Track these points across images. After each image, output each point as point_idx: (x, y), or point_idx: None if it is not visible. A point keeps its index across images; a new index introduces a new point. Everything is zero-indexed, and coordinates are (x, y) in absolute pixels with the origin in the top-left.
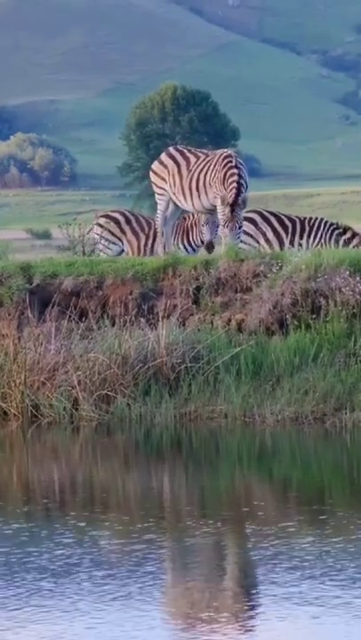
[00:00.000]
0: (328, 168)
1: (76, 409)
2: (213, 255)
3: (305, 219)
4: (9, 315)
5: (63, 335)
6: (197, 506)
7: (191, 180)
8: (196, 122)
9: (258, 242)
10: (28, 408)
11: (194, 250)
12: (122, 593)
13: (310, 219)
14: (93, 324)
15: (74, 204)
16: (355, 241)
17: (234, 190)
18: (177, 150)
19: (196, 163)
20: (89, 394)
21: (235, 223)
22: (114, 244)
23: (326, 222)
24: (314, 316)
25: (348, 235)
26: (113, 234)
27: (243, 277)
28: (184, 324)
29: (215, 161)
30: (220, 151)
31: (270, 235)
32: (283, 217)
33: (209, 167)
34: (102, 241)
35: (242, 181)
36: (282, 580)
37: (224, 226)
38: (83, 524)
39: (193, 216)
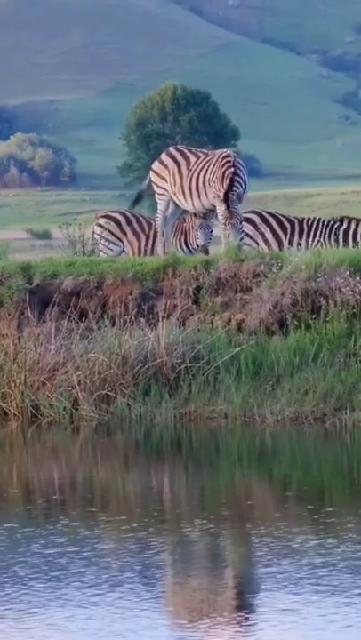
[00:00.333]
0: (328, 168)
1: (76, 409)
2: (213, 255)
3: (303, 219)
4: (9, 315)
5: (63, 335)
6: (197, 506)
7: (191, 179)
8: (196, 122)
9: (257, 242)
10: (28, 408)
11: (191, 252)
12: (121, 593)
13: (308, 219)
14: (93, 323)
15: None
16: (353, 226)
17: (228, 182)
18: (177, 150)
19: (195, 162)
20: (89, 394)
21: (235, 219)
22: (114, 244)
23: (323, 221)
24: (314, 316)
25: (345, 224)
26: (113, 234)
27: (243, 277)
28: (184, 324)
29: (215, 161)
30: (219, 151)
31: (269, 236)
32: (281, 218)
33: (208, 167)
34: (102, 241)
35: (238, 178)
36: (282, 579)
37: (225, 224)
38: (82, 524)
39: (191, 218)
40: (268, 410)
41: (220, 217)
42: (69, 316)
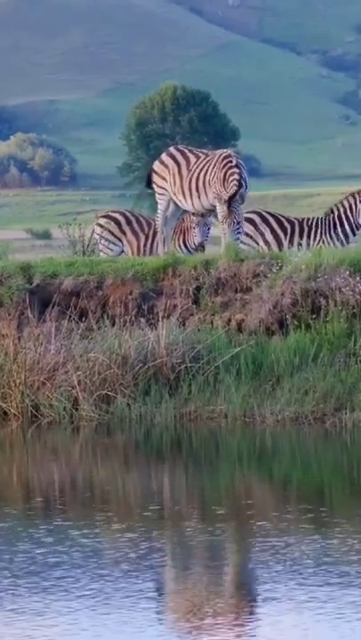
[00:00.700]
0: (328, 168)
1: (76, 409)
2: (213, 255)
3: (303, 220)
4: (9, 315)
5: (63, 335)
6: (197, 506)
7: (191, 179)
8: (196, 122)
9: (257, 243)
10: (28, 408)
11: (190, 252)
12: (120, 592)
13: (308, 219)
14: (93, 323)
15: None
16: (341, 210)
17: (234, 187)
18: (178, 150)
19: (196, 163)
20: (89, 394)
21: (232, 219)
22: (114, 244)
23: (322, 219)
24: (314, 316)
25: (336, 212)
26: (113, 234)
27: (243, 277)
28: (184, 324)
29: (215, 161)
30: (219, 151)
31: (269, 236)
32: (281, 218)
33: (209, 167)
34: (102, 241)
35: (242, 181)
36: (282, 579)
37: (222, 223)
38: (82, 524)
39: (189, 217)
40: (268, 410)
41: (219, 217)
42: (69, 316)
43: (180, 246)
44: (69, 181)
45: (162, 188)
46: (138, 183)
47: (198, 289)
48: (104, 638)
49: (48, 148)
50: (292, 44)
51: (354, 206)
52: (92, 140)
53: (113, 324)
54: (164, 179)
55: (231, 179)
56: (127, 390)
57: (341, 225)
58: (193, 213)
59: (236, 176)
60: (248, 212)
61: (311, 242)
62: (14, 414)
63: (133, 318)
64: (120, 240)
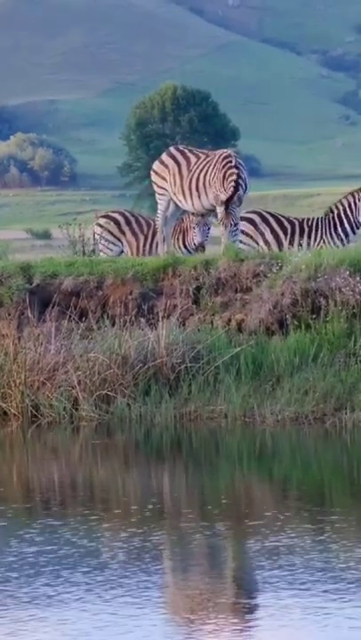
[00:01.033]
0: (328, 168)
1: (76, 409)
2: (213, 255)
3: (303, 220)
4: (9, 315)
5: (63, 335)
6: (197, 506)
7: (191, 180)
8: (196, 122)
9: (257, 243)
10: (28, 408)
11: (190, 252)
12: (120, 592)
13: (308, 220)
14: (93, 323)
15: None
16: (340, 209)
17: (231, 189)
18: (178, 150)
19: (196, 163)
20: (89, 394)
21: (229, 221)
22: (113, 244)
23: (322, 219)
24: (314, 316)
25: (335, 211)
26: (113, 234)
27: (243, 277)
28: (184, 324)
29: (215, 161)
30: (219, 151)
31: (269, 236)
32: (282, 218)
33: (209, 167)
34: (102, 241)
35: (240, 181)
36: (282, 579)
37: (219, 224)
38: (82, 524)
39: (189, 218)
40: (268, 410)
41: (219, 217)
42: (69, 316)
43: (179, 247)
44: (69, 181)
45: (162, 188)
46: (138, 183)
47: (198, 289)
48: (103, 638)
49: (48, 148)
50: (292, 44)
51: (353, 205)
52: (92, 139)
53: (113, 324)
54: (164, 179)
55: (230, 179)
56: (127, 390)
57: (341, 224)
58: (193, 213)
59: (234, 177)
60: (248, 212)
61: (311, 242)
62: (14, 414)
63: (133, 318)
64: (120, 240)
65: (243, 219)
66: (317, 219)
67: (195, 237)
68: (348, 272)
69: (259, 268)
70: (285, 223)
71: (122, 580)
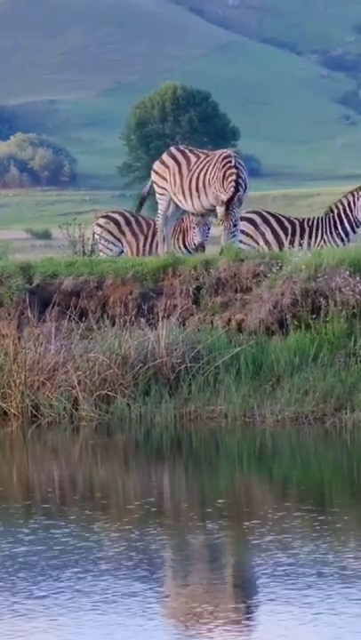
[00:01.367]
0: (328, 168)
1: (76, 409)
2: (213, 255)
3: (304, 220)
4: (9, 315)
5: (63, 335)
6: (197, 506)
7: (191, 179)
8: (196, 122)
9: (257, 242)
10: (28, 408)
11: (190, 252)
12: (120, 592)
13: (309, 219)
14: (93, 323)
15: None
16: (340, 208)
17: (232, 189)
18: (178, 150)
19: (196, 162)
20: (89, 394)
21: (229, 222)
22: (113, 244)
23: (322, 219)
24: (314, 316)
25: (335, 210)
26: (112, 234)
27: (243, 277)
28: (184, 324)
29: (215, 161)
30: (219, 151)
31: (269, 236)
32: (282, 218)
33: (208, 167)
34: (102, 241)
35: (240, 181)
36: (282, 579)
37: (219, 224)
38: (82, 524)
39: (189, 218)
40: (268, 410)
41: (218, 217)
42: (69, 316)
43: (179, 247)
44: (69, 181)
45: (162, 188)
46: (138, 183)
47: (198, 289)
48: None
49: (48, 148)
50: (292, 44)
51: (352, 204)
52: (92, 139)
53: (113, 324)
54: (164, 179)
55: (230, 180)
56: (127, 390)
57: (341, 223)
58: (193, 214)
59: (234, 177)
60: (249, 212)
61: (312, 242)
62: (14, 414)
63: (133, 318)
64: (119, 240)
65: (243, 219)
66: (318, 218)
67: (195, 237)
68: (348, 272)
69: (259, 268)
70: (286, 223)
71: (121, 579)
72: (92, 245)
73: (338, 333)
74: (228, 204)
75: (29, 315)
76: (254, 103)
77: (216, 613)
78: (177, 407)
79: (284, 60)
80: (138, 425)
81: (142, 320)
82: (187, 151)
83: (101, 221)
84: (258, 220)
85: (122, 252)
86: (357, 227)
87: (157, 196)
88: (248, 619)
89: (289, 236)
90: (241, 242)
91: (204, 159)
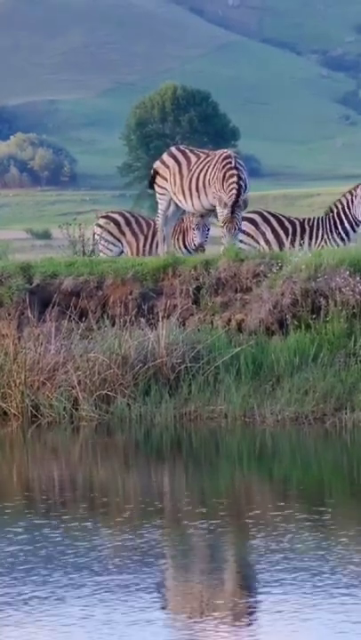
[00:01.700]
0: (328, 168)
1: (76, 409)
2: (213, 255)
3: (304, 220)
4: (9, 315)
5: (63, 335)
6: (197, 506)
7: (191, 179)
8: (196, 122)
9: (258, 242)
10: (28, 408)
11: (190, 252)
12: (120, 592)
13: (309, 220)
14: (93, 323)
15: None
16: (340, 207)
17: (234, 192)
18: (179, 150)
19: (196, 162)
20: (89, 394)
21: (234, 224)
22: (113, 244)
23: (322, 219)
24: (314, 316)
25: (335, 210)
26: (112, 235)
27: (243, 277)
28: (184, 324)
29: (215, 161)
30: (219, 151)
31: (270, 235)
32: (283, 218)
33: (208, 167)
34: (102, 241)
35: (241, 182)
36: (282, 579)
37: (223, 226)
38: (82, 524)
39: (189, 218)
40: (268, 410)
41: (219, 218)
42: (69, 316)
43: (179, 247)
44: (69, 181)
45: (163, 187)
46: (138, 183)
47: (198, 289)
48: (101, 638)
49: (48, 148)
50: (292, 44)
51: (351, 203)
52: (92, 139)
53: (113, 324)
54: (165, 178)
55: (231, 181)
56: (127, 390)
57: (341, 223)
58: (193, 214)
59: (234, 178)
60: (249, 212)
61: (313, 242)
62: (14, 414)
63: (133, 318)
64: (119, 241)
65: (244, 219)
66: (318, 218)
67: (195, 239)
68: (348, 272)
69: (259, 268)
70: (286, 223)
71: (121, 579)
72: (93, 245)
73: (338, 333)
74: (234, 207)
75: (29, 315)
76: (254, 103)
77: (216, 612)
78: (177, 407)
79: (284, 60)
80: (138, 425)
81: (142, 320)
82: (187, 151)
83: (101, 222)
84: (258, 219)
85: (122, 252)
86: (357, 225)
87: (158, 195)
88: (248, 617)
89: (290, 236)
90: (241, 241)
91: (205, 159)
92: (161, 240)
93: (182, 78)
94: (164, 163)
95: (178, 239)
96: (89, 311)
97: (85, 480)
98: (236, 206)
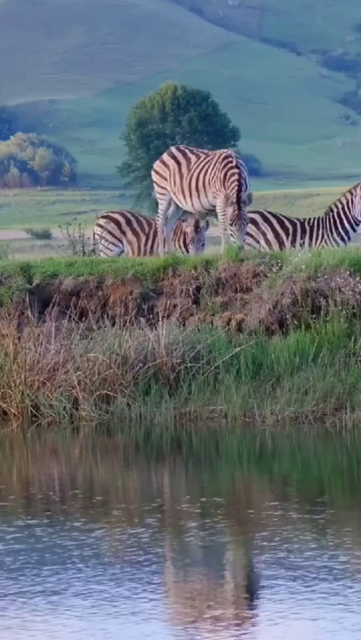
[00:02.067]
0: (328, 168)
1: (76, 409)
2: (213, 255)
3: (305, 220)
4: (9, 315)
5: (63, 335)
6: (197, 506)
7: (191, 179)
8: (196, 122)
9: (258, 242)
10: (28, 408)
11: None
12: (121, 592)
13: (310, 220)
14: (93, 323)
15: (74, 204)
16: (339, 207)
17: (235, 188)
18: (179, 150)
19: (196, 162)
20: (89, 394)
21: (242, 221)
22: (114, 244)
23: (322, 219)
24: (314, 316)
25: (335, 209)
26: (113, 235)
27: (243, 277)
28: (184, 324)
29: (215, 161)
30: (219, 151)
31: (270, 235)
32: (283, 218)
33: (208, 167)
34: (102, 241)
35: (242, 180)
36: (282, 579)
37: (231, 224)
38: (82, 524)
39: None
40: (268, 410)
41: (220, 218)
42: (69, 316)
43: (179, 247)
44: (69, 181)
45: (163, 187)
46: (138, 183)
47: (198, 289)
48: (101, 637)
49: (48, 147)
50: (292, 44)
51: (350, 202)
52: (92, 139)
53: (113, 324)
54: (165, 178)
55: (232, 179)
56: (127, 390)
57: (341, 222)
58: (187, 227)
59: (236, 177)
60: (250, 212)
61: (313, 242)
62: (14, 414)
63: (133, 318)
64: (120, 241)
65: None
66: (318, 218)
67: (190, 251)
68: (348, 272)
69: (259, 267)
70: (287, 223)
71: (121, 579)
72: (93, 245)
73: (338, 333)
74: (239, 203)
75: (29, 315)
76: (254, 103)
77: (216, 612)
78: (177, 407)
79: (284, 60)
80: (138, 425)
81: (142, 320)
82: (187, 151)
83: (102, 221)
84: (259, 219)
85: (122, 251)
86: (357, 225)
87: (158, 195)
88: (248, 617)
89: (290, 237)
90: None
91: (205, 159)
92: (161, 240)
93: (182, 78)
94: (163, 163)
95: (179, 240)
96: (89, 311)
97: (85, 480)
98: (241, 202)
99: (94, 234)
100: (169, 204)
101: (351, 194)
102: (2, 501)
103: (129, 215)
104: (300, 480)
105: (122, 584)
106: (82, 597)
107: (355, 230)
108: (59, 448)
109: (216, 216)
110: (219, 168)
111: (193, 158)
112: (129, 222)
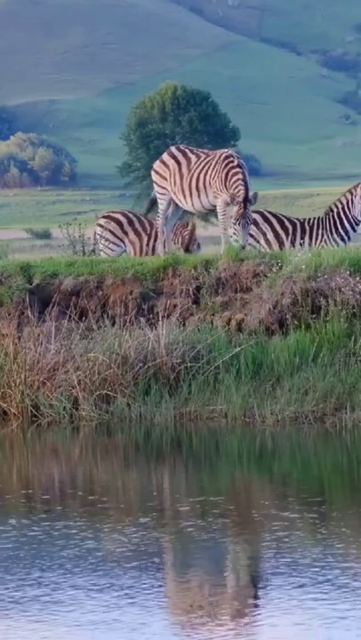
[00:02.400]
0: (328, 168)
1: (76, 409)
2: (213, 255)
3: (305, 220)
4: (9, 315)
5: (63, 335)
6: (197, 506)
7: (191, 179)
8: (196, 122)
9: (258, 242)
10: (28, 408)
11: (191, 252)
12: (121, 592)
13: (310, 220)
14: (93, 323)
15: (74, 204)
16: (340, 207)
17: (241, 187)
18: (179, 150)
19: (196, 162)
20: (89, 394)
21: (246, 220)
22: (115, 244)
23: (322, 219)
24: (314, 316)
25: (335, 209)
26: (115, 234)
27: (243, 277)
28: (184, 324)
29: (215, 161)
30: (220, 151)
31: (270, 235)
32: (283, 218)
33: (209, 167)
34: (103, 241)
35: (245, 180)
36: (282, 579)
37: (235, 223)
38: (82, 524)
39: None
40: (268, 410)
41: (220, 218)
42: (69, 316)
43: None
44: (69, 181)
45: (163, 187)
46: (138, 183)
47: (198, 289)
48: (101, 637)
49: (48, 147)
50: (292, 44)
51: (350, 202)
52: (92, 139)
53: (113, 324)
54: (165, 178)
55: (235, 179)
56: (127, 390)
57: (341, 222)
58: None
59: (239, 176)
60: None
61: (313, 242)
62: (14, 414)
63: (133, 318)
64: (122, 241)
65: None
66: (318, 219)
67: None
68: (348, 272)
69: (259, 267)
70: (287, 223)
71: (122, 579)
72: (93, 245)
73: (338, 333)
74: (245, 202)
75: (29, 315)
76: (254, 103)
77: (216, 612)
78: (177, 407)
79: (284, 60)
80: (138, 425)
81: (142, 320)
82: (187, 151)
83: (102, 221)
84: (259, 219)
85: (124, 251)
86: (357, 225)
87: (158, 195)
88: (248, 617)
89: (290, 236)
90: None
91: (205, 159)
92: (161, 240)
93: (182, 78)
94: (163, 163)
95: (179, 239)
96: (89, 311)
97: (85, 480)
98: (247, 201)
99: (95, 234)
100: (169, 204)
101: (351, 194)
102: (2, 501)
103: (131, 215)
104: (300, 480)
105: (122, 584)
106: (78, 598)
107: (355, 230)
108: (59, 448)
109: (216, 216)
110: (220, 168)
111: (193, 158)
112: (131, 222)
